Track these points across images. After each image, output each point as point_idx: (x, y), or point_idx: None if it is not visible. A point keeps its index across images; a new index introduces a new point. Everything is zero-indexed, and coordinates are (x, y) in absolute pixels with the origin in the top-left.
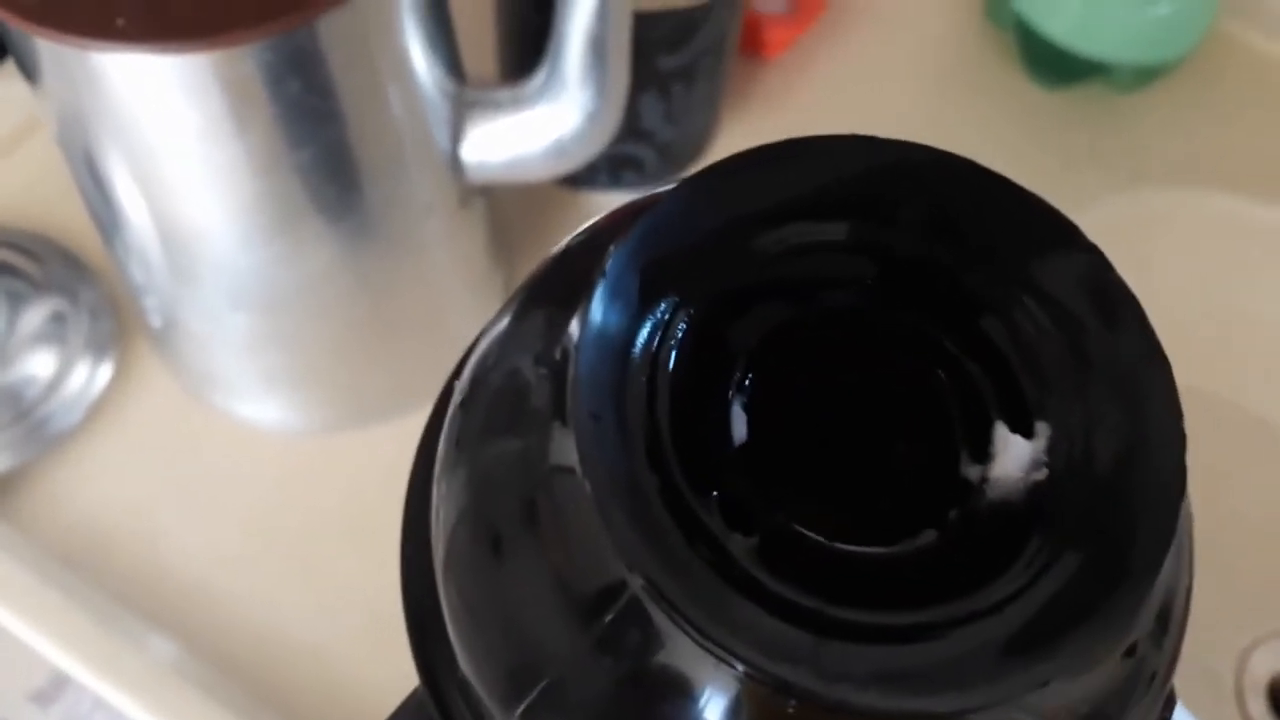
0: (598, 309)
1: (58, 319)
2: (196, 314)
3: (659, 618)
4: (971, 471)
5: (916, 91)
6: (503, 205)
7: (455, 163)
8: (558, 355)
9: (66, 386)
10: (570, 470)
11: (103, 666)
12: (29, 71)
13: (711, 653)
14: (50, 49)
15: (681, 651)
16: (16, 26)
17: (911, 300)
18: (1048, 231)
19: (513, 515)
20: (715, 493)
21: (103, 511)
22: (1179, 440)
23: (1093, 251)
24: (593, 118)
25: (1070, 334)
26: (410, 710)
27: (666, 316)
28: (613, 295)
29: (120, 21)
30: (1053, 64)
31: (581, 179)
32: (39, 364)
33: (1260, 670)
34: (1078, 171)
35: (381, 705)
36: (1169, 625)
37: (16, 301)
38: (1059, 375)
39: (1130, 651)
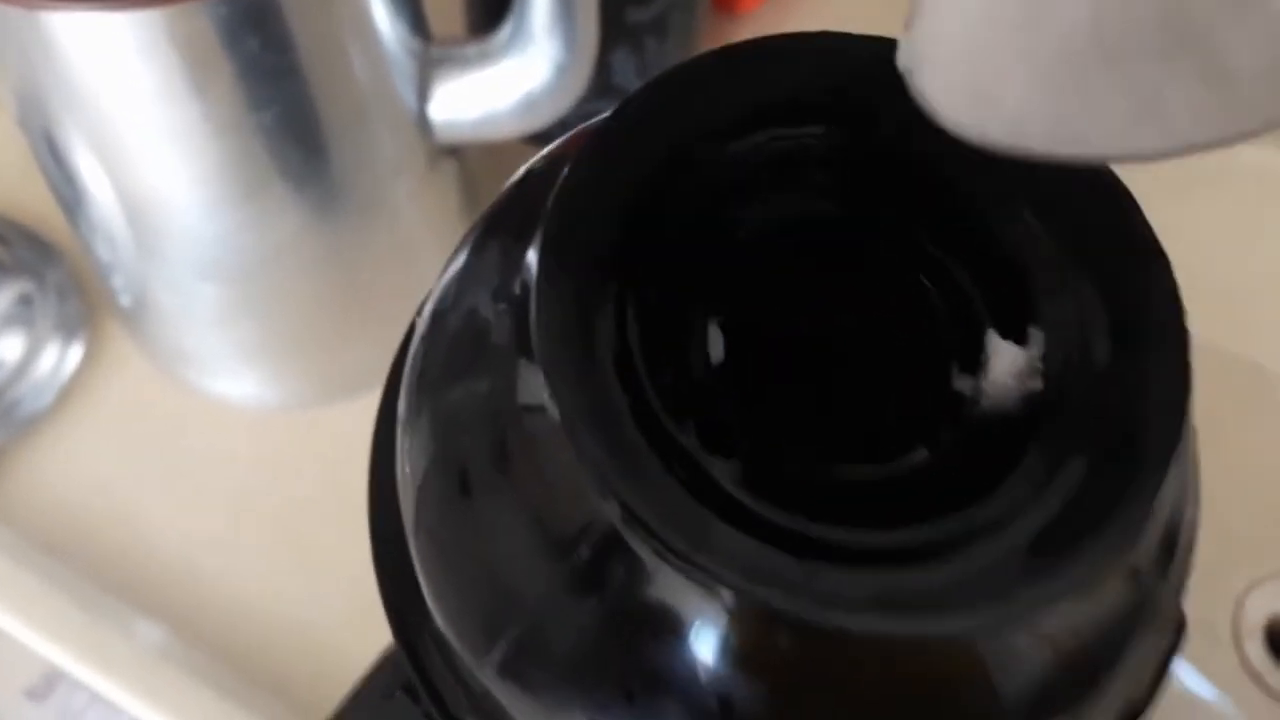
0: (561, 226)
1: (25, 301)
2: (165, 288)
3: (638, 547)
4: (963, 384)
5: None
6: (473, 168)
7: (423, 122)
8: (517, 289)
9: (36, 369)
10: (538, 408)
11: (88, 653)
12: None
13: (695, 580)
14: (1, 19)
15: (663, 583)
16: None
17: (893, 203)
18: None
19: (480, 456)
20: (693, 414)
21: (79, 495)
22: (1181, 335)
23: None
24: (562, 70)
25: (1060, 232)
26: (385, 668)
27: (636, 232)
28: (577, 212)
29: None
30: None
31: (553, 138)
32: (7, 347)
33: (1256, 613)
34: None
35: None
36: (1175, 553)
37: None
38: (1051, 276)
39: (1133, 575)
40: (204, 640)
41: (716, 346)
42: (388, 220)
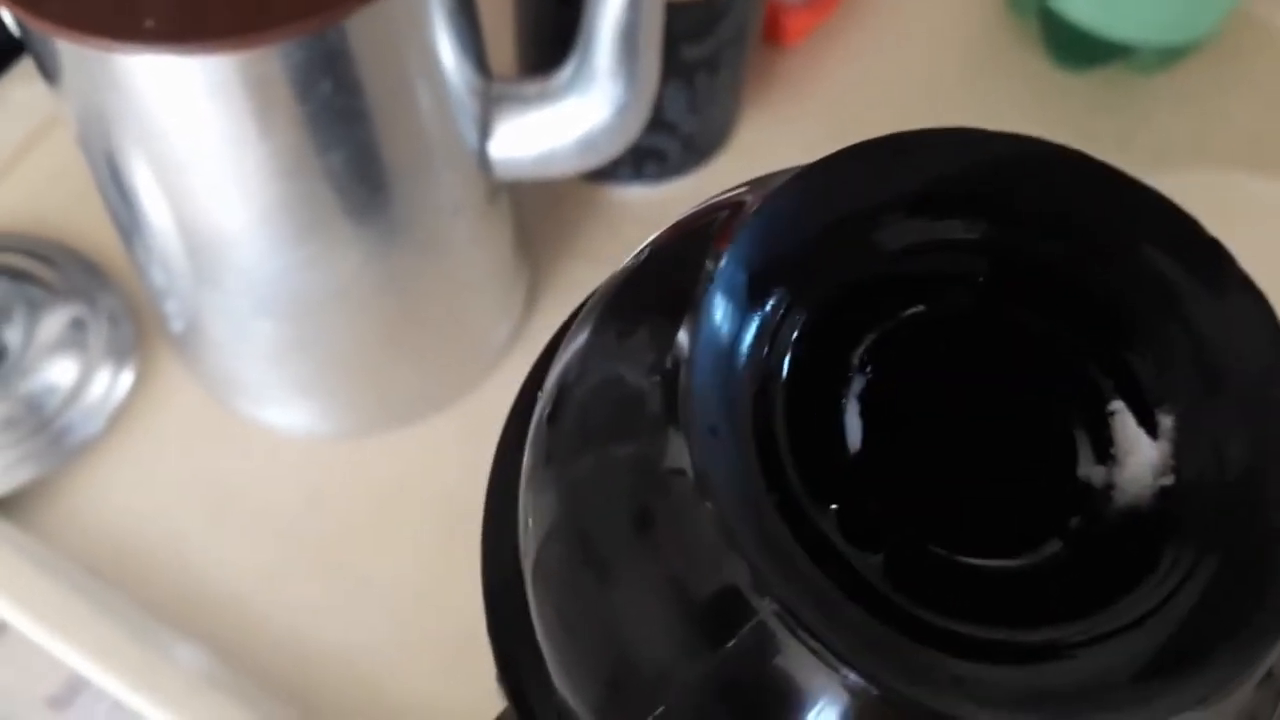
0: (709, 318)
1: (77, 325)
2: (220, 320)
3: (790, 642)
4: (1095, 475)
5: (937, 78)
6: (525, 202)
7: (484, 159)
8: (668, 363)
9: (88, 394)
10: (684, 473)
11: (133, 677)
12: (49, 72)
13: (853, 682)
14: (72, 50)
15: (815, 679)
16: (40, 30)
17: (1030, 300)
18: (1165, 225)
19: (620, 527)
20: (835, 507)
21: (129, 520)
22: None
23: (1212, 243)
24: (623, 110)
25: (1193, 336)
26: None
27: (779, 321)
28: (723, 302)
29: (149, 23)
30: (1075, 47)
31: (604, 172)
32: (60, 372)
33: None
34: (1102, 154)
35: (416, 711)
36: None
37: (35, 309)
38: (1184, 378)
39: (1268, 675)
40: (247, 666)
41: (855, 433)
42: (446, 256)
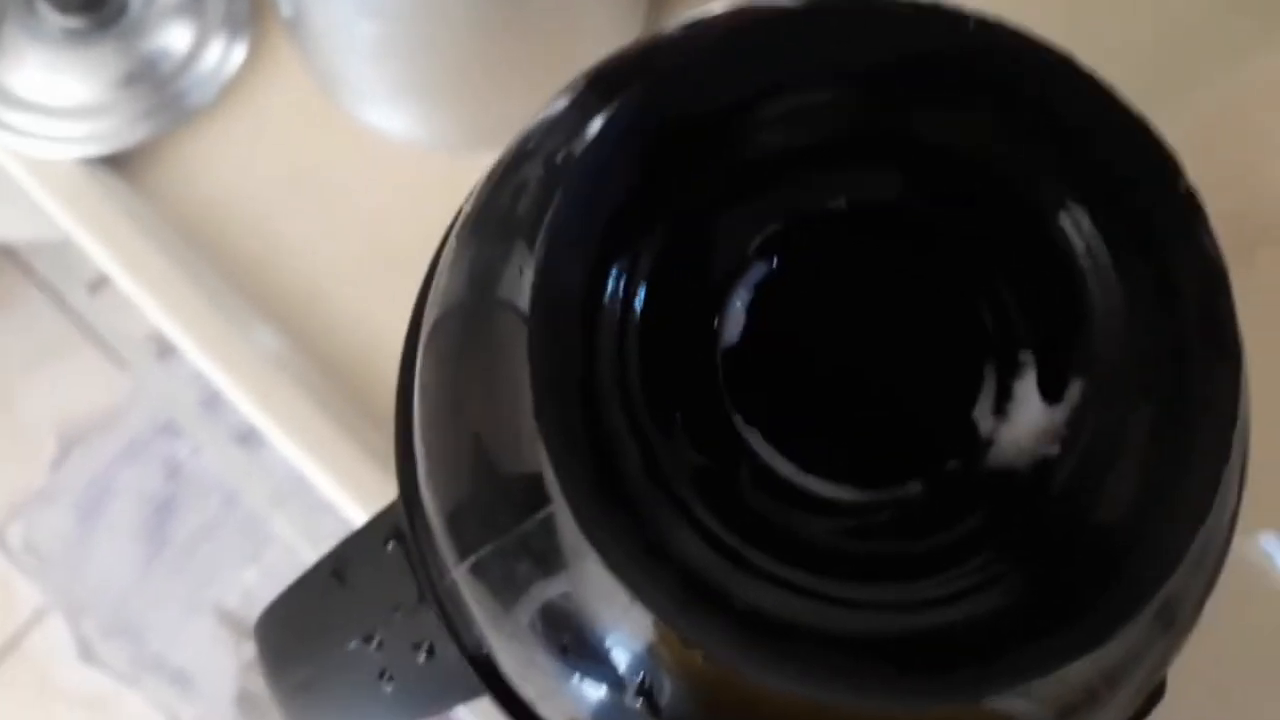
0: (578, 183)
1: None
2: (323, 14)
3: (576, 537)
4: (985, 424)
5: None
6: None
7: None
8: (559, 160)
9: (202, 62)
10: (515, 308)
11: (208, 345)
12: None
13: (621, 584)
14: None
15: (602, 585)
16: None
17: (958, 209)
18: (1132, 151)
19: (472, 372)
20: (681, 406)
21: (226, 195)
22: (1220, 458)
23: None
24: None
25: (1134, 296)
26: (387, 519)
27: (660, 205)
28: (600, 169)
29: None
30: None
31: None
32: (175, 36)
33: None
34: (1227, 18)
35: None
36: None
37: None
38: (1111, 348)
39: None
40: (317, 356)
41: (733, 332)
42: None
